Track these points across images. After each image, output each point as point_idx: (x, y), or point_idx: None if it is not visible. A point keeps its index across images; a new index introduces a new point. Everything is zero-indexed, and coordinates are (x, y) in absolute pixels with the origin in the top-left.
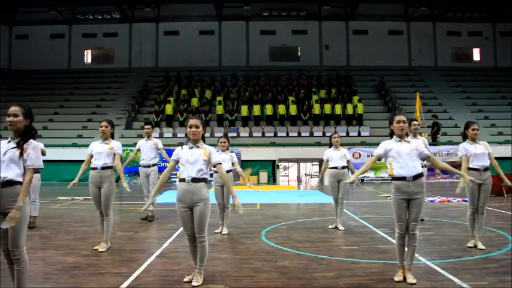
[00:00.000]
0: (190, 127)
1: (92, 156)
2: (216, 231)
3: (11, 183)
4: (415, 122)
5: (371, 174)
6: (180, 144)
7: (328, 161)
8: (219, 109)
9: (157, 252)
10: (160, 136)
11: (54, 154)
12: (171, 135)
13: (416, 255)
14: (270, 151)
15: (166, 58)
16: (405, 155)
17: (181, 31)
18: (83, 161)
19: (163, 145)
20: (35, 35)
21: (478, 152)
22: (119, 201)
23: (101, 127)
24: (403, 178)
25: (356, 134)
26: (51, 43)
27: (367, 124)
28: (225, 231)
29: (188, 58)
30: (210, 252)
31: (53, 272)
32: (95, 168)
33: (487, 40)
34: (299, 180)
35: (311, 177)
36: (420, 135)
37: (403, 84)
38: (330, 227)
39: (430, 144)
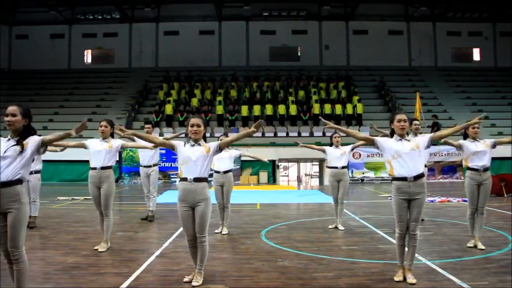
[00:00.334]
0: (192, 126)
1: (83, 145)
2: (216, 231)
3: (10, 183)
4: (417, 122)
5: (371, 174)
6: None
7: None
8: (219, 109)
9: (157, 252)
10: (160, 136)
11: (54, 154)
12: (171, 135)
13: (416, 255)
14: (270, 151)
15: (166, 58)
16: (405, 154)
17: (181, 31)
18: (83, 161)
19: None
20: (35, 35)
21: (479, 150)
22: (118, 201)
23: (101, 127)
24: (403, 178)
25: None
26: (51, 43)
27: (367, 124)
28: (225, 231)
29: (188, 58)
30: (210, 252)
31: (53, 272)
32: (94, 168)
33: (487, 40)
34: (299, 180)
35: (311, 177)
36: (421, 135)
37: (403, 84)
38: (330, 227)
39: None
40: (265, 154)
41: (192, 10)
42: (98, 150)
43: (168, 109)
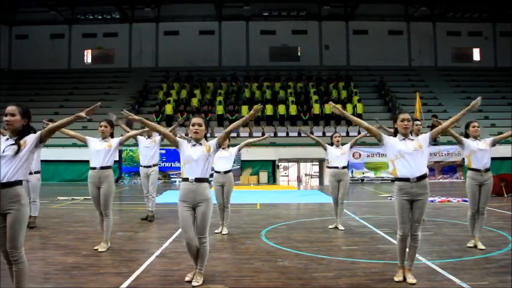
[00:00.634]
0: (193, 125)
1: (84, 139)
2: (216, 231)
3: (10, 183)
4: (418, 122)
5: (371, 174)
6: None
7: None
8: (219, 109)
9: (157, 252)
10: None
11: (54, 154)
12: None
13: (416, 255)
14: (270, 151)
15: (166, 58)
16: (408, 154)
17: (181, 31)
18: (83, 161)
19: (163, 145)
20: (35, 35)
21: (481, 148)
22: (119, 201)
23: (101, 127)
24: (406, 179)
25: (356, 134)
26: (51, 43)
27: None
28: (225, 231)
29: (188, 58)
30: (210, 252)
31: (53, 272)
32: (94, 168)
33: (487, 40)
34: (299, 180)
35: (311, 177)
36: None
37: (403, 84)
38: (330, 227)
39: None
40: (266, 154)
41: (192, 10)
42: (98, 150)
43: (168, 109)
